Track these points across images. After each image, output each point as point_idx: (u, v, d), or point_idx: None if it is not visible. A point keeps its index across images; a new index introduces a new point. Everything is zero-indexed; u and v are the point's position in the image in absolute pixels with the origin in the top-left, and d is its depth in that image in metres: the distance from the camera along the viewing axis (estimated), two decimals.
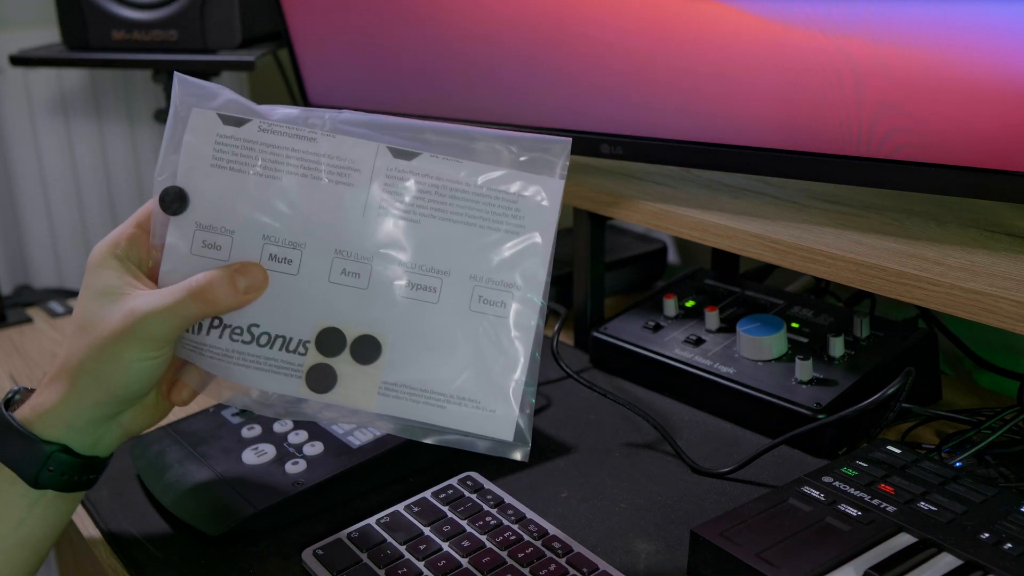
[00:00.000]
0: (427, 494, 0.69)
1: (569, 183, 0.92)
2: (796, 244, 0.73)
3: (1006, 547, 0.56)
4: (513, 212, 0.58)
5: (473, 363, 0.58)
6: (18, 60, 1.23)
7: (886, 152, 0.71)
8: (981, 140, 0.66)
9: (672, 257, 1.20)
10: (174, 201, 0.59)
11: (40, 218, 1.55)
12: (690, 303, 0.93)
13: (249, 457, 0.73)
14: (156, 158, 1.96)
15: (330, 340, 0.59)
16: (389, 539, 0.64)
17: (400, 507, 0.67)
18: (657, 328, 0.90)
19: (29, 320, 1.16)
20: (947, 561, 0.56)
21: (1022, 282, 0.63)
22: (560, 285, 1.06)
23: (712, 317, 0.88)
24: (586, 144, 0.88)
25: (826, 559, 0.56)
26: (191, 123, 0.59)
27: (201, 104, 0.60)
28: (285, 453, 0.73)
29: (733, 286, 0.94)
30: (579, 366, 0.94)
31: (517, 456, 0.59)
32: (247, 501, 0.68)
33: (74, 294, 1.48)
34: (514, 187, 0.58)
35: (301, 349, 0.59)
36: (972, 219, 0.76)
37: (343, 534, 0.65)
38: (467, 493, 0.68)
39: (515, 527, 0.64)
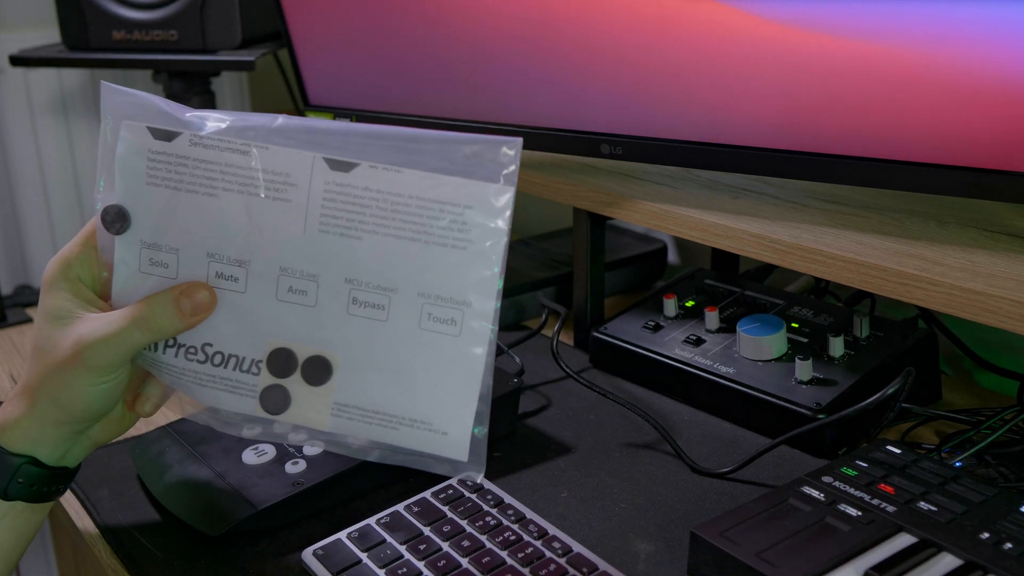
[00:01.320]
0: (427, 494, 0.69)
1: (569, 183, 0.92)
2: (796, 244, 0.73)
3: (1006, 547, 0.56)
4: (459, 225, 0.54)
5: (424, 383, 0.56)
6: (18, 60, 1.23)
7: (886, 152, 0.71)
8: (981, 140, 0.66)
9: (672, 257, 1.20)
10: (115, 220, 0.58)
11: (40, 218, 1.55)
12: (690, 303, 0.93)
13: (249, 457, 0.73)
14: None
15: (281, 360, 0.57)
16: (389, 539, 0.64)
17: (400, 507, 0.67)
18: (657, 328, 0.90)
19: (29, 320, 1.16)
20: (947, 561, 0.56)
21: (1022, 282, 0.63)
22: (560, 285, 1.06)
23: (712, 317, 0.88)
24: (586, 144, 0.88)
25: (826, 559, 0.56)
26: (123, 137, 0.57)
27: (131, 115, 0.57)
28: (285, 453, 0.73)
29: (733, 286, 0.94)
30: (579, 366, 0.94)
31: (474, 477, 0.57)
32: (247, 501, 0.68)
33: None
34: (459, 197, 0.54)
35: (254, 369, 0.57)
36: (972, 219, 0.76)
37: (343, 534, 0.65)
38: (467, 493, 0.68)
39: (515, 527, 0.64)
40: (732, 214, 0.80)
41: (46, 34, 1.33)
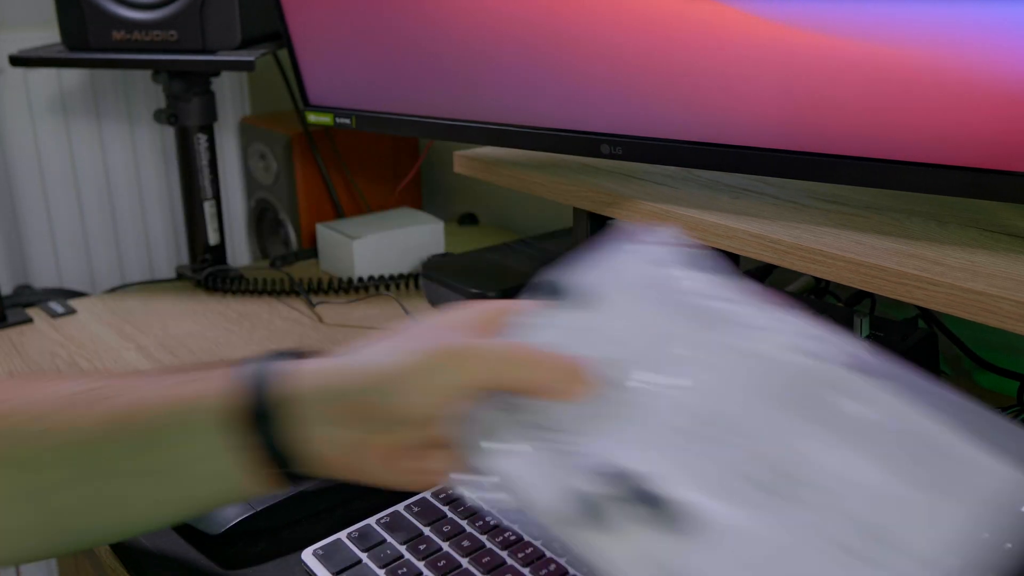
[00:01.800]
0: (427, 494, 0.69)
1: (569, 183, 0.92)
2: (796, 244, 0.73)
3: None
4: (965, 479, 0.44)
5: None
6: (18, 60, 1.23)
7: (886, 152, 0.71)
8: (981, 140, 0.66)
9: None
10: (555, 294, 0.52)
11: (40, 218, 1.55)
12: None
13: None
14: (155, 158, 1.95)
15: (635, 485, 0.45)
16: (389, 539, 0.64)
17: (400, 507, 0.67)
18: None
19: (29, 320, 1.16)
20: None
21: (1022, 282, 0.63)
22: None
23: None
24: (586, 144, 0.87)
25: None
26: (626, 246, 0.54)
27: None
28: None
29: None
30: None
31: None
32: (246, 501, 0.68)
33: (74, 294, 1.48)
34: (972, 456, 0.43)
35: (596, 473, 0.46)
36: (972, 219, 0.76)
37: (343, 534, 0.65)
38: None
39: (515, 527, 0.64)
40: (732, 214, 0.80)
41: (46, 34, 1.33)
